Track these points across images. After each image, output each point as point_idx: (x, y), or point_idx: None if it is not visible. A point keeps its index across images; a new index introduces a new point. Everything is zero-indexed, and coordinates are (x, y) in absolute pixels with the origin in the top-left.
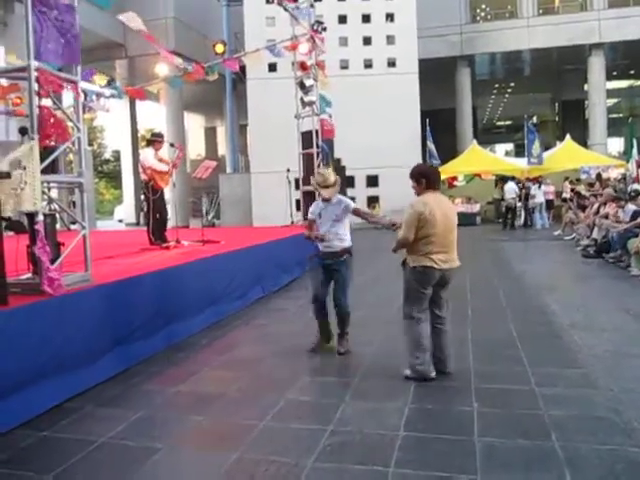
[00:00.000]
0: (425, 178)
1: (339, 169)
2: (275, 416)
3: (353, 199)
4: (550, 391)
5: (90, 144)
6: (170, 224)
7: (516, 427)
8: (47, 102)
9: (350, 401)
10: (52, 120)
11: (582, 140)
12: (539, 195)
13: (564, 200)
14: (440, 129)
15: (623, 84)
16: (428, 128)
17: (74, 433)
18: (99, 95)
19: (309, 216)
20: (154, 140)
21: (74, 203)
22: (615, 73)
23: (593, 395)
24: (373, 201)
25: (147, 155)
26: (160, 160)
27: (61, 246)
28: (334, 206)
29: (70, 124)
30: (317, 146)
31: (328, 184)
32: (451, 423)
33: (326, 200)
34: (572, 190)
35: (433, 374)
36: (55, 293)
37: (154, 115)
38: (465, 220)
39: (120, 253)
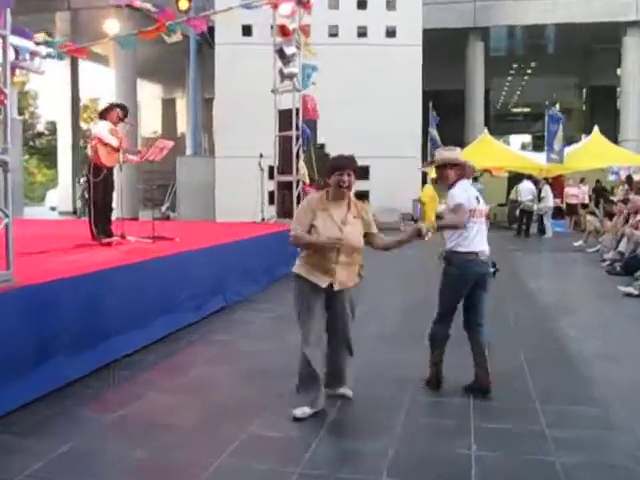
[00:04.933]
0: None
1: (322, 157)
2: (234, 453)
3: None
4: (563, 433)
5: (20, 113)
6: (115, 215)
7: (521, 475)
8: None
9: (325, 437)
10: None
11: (612, 134)
12: (549, 198)
13: (583, 206)
14: (445, 114)
15: None
16: (431, 112)
17: None
18: (33, 54)
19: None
20: (111, 110)
21: None
22: None
23: (612, 438)
24: (362, 197)
25: (100, 127)
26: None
27: None
28: None
29: None
30: (297, 128)
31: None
32: (444, 469)
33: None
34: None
35: None
36: None
37: (100, 81)
38: None
39: (52, 248)
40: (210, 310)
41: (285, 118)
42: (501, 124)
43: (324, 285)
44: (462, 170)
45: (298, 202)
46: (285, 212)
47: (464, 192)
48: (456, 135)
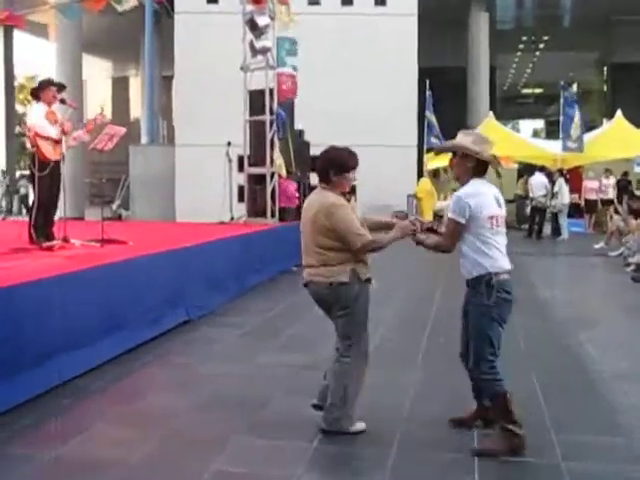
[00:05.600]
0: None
1: (301, 145)
2: None
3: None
4: (581, 466)
5: None
6: (57, 215)
7: None
8: None
9: (304, 475)
10: None
11: (638, 119)
12: (564, 193)
13: (605, 202)
14: (445, 95)
15: None
16: (428, 93)
17: None
18: None
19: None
20: (45, 88)
21: None
22: None
23: (638, 472)
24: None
25: (35, 112)
26: (54, 122)
27: None
28: None
29: None
30: (271, 111)
31: None
32: None
33: None
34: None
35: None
36: None
37: (40, 57)
38: None
39: None
40: (169, 325)
41: (257, 100)
42: (509, 107)
43: None
44: (479, 163)
45: (272, 198)
46: (257, 210)
47: (472, 197)
48: (457, 119)
